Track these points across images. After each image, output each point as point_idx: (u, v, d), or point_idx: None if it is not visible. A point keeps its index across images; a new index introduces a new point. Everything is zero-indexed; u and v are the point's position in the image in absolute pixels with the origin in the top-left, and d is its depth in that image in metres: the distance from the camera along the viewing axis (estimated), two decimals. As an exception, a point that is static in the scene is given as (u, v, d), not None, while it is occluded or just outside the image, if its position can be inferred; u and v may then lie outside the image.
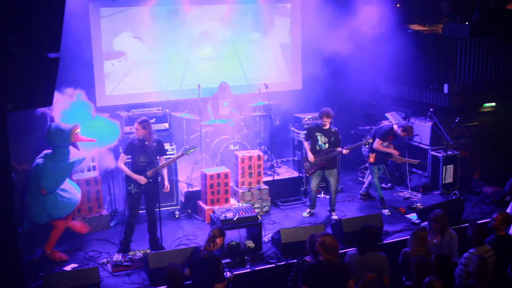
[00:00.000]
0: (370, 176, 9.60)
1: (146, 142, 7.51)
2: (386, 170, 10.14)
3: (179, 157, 7.93)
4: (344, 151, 8.74)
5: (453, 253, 6.53)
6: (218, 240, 6.23)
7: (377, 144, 9.27)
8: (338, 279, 5.58)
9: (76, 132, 7.45)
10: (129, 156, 7.72)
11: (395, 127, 9.33)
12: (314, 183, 8.90)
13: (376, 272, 5.88)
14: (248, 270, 7.19)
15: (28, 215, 7.45)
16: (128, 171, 7.60)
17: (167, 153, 8.50)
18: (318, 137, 8.80)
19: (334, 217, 8.88)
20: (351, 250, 6.18)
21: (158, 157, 7.71)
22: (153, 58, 10.62)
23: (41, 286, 6.61)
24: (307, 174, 9.01)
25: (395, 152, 9.32)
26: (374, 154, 9.28)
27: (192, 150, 7.93)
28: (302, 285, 5.55)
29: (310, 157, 8.78)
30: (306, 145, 8.95)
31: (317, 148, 8.81)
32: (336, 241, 5.65)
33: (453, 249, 6.57)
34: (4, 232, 5.50)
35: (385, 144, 9.37)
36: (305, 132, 10.02)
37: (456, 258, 6.33)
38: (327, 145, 8.79)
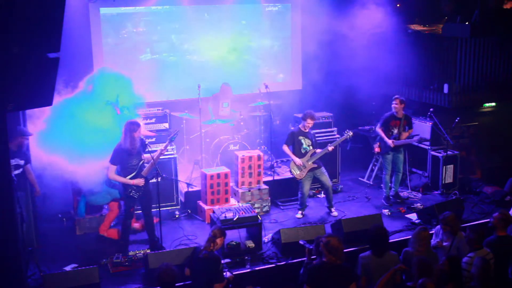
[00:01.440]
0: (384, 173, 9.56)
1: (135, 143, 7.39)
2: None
3: (167, 145, 7.66)
4: (330, 148, 8.75)
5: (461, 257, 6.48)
6: (218, 240, 6.23)
7: (377, 128, 9.39)
8: (341, 281, 5.54)
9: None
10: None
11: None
12: (306, 187, 8.89)
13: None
14: (248, 270, 7.19)
15: (89, 198, 8.23)
16: (124, 180, 7.37)
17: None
18: (302, 141, 8.80)
19: (334, 213, 8.93)
20: (365, 252, 6.14)
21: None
22: (154, 59, 10.62)
23: (41, 286, 6.61)
24: (298, 179, 8.88)
25: (389, 142, 9.15)
26: (378, 143, 9.28)
27: (176, 136, 7.76)
28: (305, 285, 5.54)
29: (298, 161, 8.73)
30: (287, 149, 8.84)
31: (302, 151, 8.81)
32: (341, 243, 5.62)
33: (462, 253, 6.44)
34: (4, 232, 5.50)
35: (395, 131, 9.22)
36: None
37: None
38: (311, 147, 8.80)
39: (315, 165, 8.78)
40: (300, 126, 8.85)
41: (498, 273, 6.08)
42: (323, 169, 8.91)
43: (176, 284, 5.82)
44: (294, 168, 8.83)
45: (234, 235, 7.73)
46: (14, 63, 4.97)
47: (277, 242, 7.83)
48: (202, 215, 8.89)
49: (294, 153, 8.80)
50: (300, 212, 9.01)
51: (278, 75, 11.65)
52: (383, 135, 9.24)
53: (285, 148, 8.87)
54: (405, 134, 9.28)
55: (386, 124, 9.29)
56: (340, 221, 8.04)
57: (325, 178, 8.89)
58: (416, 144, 9.79)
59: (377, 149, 9.31)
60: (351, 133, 8.97)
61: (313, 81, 10.96)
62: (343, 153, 10.37)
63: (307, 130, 8.79)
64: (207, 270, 6.01)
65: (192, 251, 6.41)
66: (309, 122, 8.69)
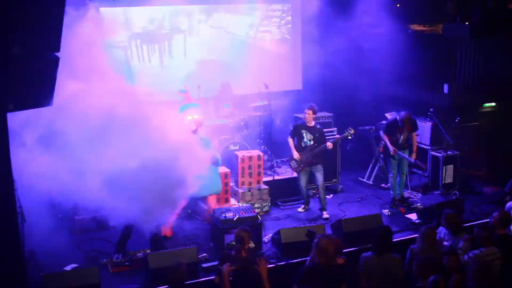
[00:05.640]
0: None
1: None
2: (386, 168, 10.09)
3: None
4: (328, 145, 8.78)
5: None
6: (247, 247, 6.02)
7: (381, 133, 9.41)
8: (330, 283, 5.44)
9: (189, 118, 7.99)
10: None
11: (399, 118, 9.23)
12: (303, 180, 8.98)
13: (391, 274, 5.84)
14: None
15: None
16: None
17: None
18: (304, 134, 8.88)
19: (326, 216, 8.89)
20: (367, 252, 6.09)
21: None
22: (153, 59, 10.62)
23: (41, 286, 6.60)
24: (295, 172, 9.06)
25: (391, 150, 9.09)
26: (384, 143, 9.28)
27: None
28: (295, 285, 5.47)
29: (296, 154, 8.86)
30: (291, 142, 8.99)
31: (303, 145, 8.90)
32: (331, 245, 5.51)
33: (464, 251, 6.45)
34: (5, 232, 5.50)
35: (402, 137, 9.17)
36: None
37: None
38: (312, 142, 8.86)
39: (313, 160, 8.82)
40: (304, 118, 8.91)
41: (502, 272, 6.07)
42: (321, 166, 8.95)
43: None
44: (292, 160, 8.94)
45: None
46: (14, 63, 4.97)
47: (277, 242, 7.83)
48: (202, 215, 8.89)
49: (296, 145, 8.89)
50: (302, 206, 9.07)
51: (278, 75, 11.63)
52: (387, 141, 9.19)
53: (289, 141, 9.00)
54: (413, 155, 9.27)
55: (393, 131, 9.25)
56: (340, 221, 8.05)
57: (320, 176, 8.90)
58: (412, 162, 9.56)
59: (382, 149, 9.36)
60: (352, 131, 8.97)
61: (313, 81, 10.95)
62: (343, 153, 10.36)
63: (311, 125, 8.83)
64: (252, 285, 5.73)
65: (220, 257, 6.08)
66: (306, 112, 8.78)
